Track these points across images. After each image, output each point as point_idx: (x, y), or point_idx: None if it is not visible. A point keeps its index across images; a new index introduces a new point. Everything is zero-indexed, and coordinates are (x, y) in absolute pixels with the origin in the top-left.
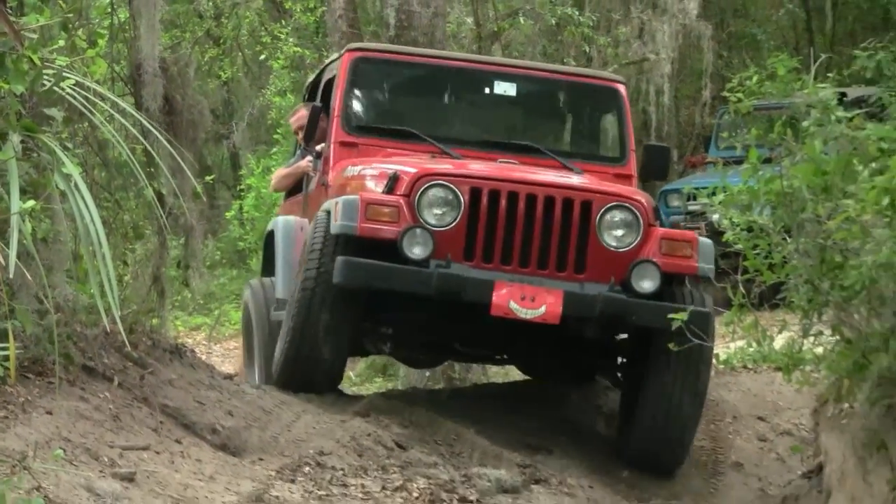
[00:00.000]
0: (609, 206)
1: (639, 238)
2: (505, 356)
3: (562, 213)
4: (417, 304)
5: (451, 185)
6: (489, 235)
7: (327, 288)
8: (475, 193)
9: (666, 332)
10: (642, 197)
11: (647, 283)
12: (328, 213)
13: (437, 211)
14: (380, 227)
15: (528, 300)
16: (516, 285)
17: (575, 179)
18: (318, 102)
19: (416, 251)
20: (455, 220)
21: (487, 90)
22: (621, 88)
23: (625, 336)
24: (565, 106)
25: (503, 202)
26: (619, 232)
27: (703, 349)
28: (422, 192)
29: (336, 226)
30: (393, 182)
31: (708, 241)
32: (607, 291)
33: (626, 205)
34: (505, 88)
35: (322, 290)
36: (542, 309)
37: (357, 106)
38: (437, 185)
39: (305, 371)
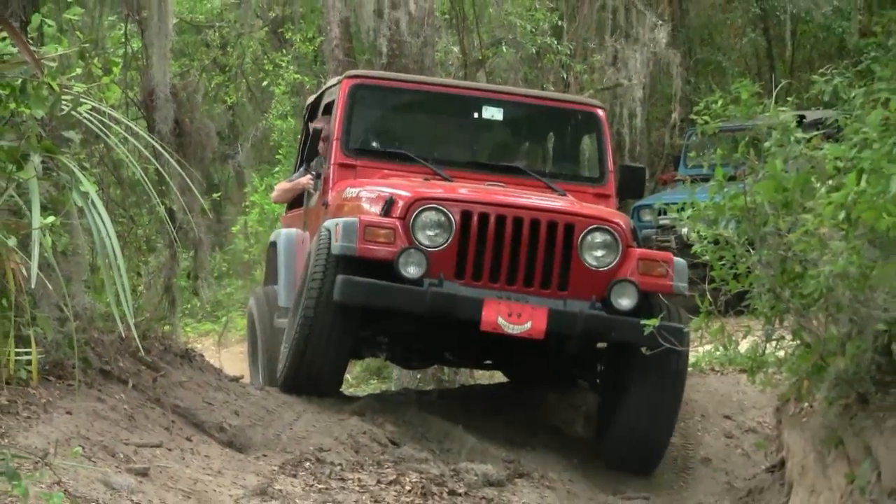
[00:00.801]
0: (590, 228)
1: (618, 258)
2: (490, 363)
3: (546, 234)
4: (411, 316)
5: (444, 209)
6: (479, 255)
7: (328, 304)
8: (466, 216)
9: (665, 352)
10: (621, 219)
11: (625, 301)
12: (329, 232)
13: (430, 233)
14: (377, 247)
15: (514, 316)
16: (504, 302)
17: (558, 203)
18: (318, 125)
19: (412, 270)
20: (447, 241)
21: (476, 114)
22: (600, 112)
23: (604, 345)
24: (548, 129)
25: (492, 224)
26: (600, 252)
27: (679, 361)
28: (416, 216)
29: (336, 246)
30: (389, 205)
31: (682, 261)
32: (588, 309)
33: (606, 227)
34: (492, 113)
35: (323, 306)
36: (528, 325)
37: (355, 130)
38: (430, 208)
39: (308, 379)
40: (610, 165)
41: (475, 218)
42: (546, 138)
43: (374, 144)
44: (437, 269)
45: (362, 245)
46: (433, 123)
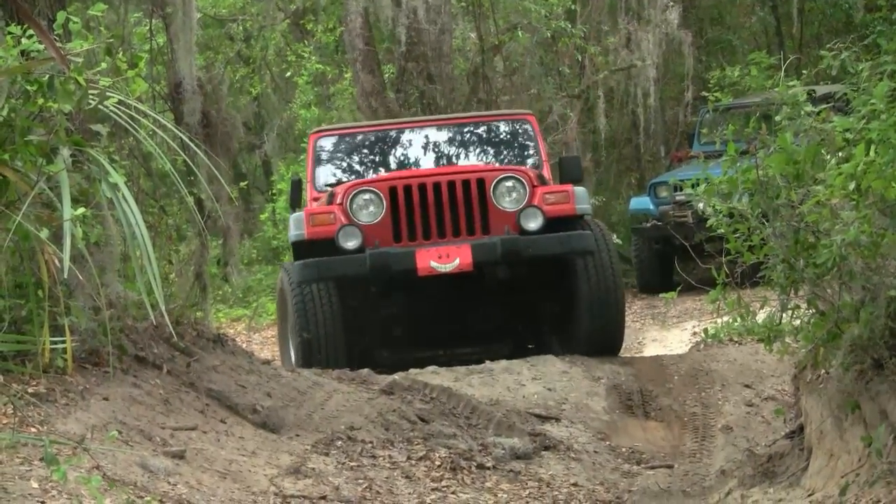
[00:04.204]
0: (500, 178)
1: (526, 198)
2: (472, 346)
3: (463, 191)
4: (390, 301)
5: (374, 189)
6: (410, 221)
7: (300, 285)
8: (393, 191)
9: (574, 256)
10: (527, 170)
11: (533, 224)
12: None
13: (366, 210)
14: (321, 229)
15: (444, 257)
16: (432, 249)
17: (471, 167)
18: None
19: (350, 244)
20: (381, 215)
21: (424, 140)
22: (531, 119)
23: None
24: (493, 137)
25: (415, 194)
26: (511, 196)
27: (608, 255)
28: (352, 199)
29: (292, 235)
30: (331, 196)
31: (582, 189)
32: (504, 237)
33: (513, 175)
34: (437, 136)
35: (296, 286)
36: (457, 261)
37: (322, 171)
38: (362, 191)
39: (313, 352)
40: (544, 156)
41: (400, 192)
42: (491, 143)
43: (339, 179)
44: (377, 239)
45: (310, 230)
46: (388, 155)
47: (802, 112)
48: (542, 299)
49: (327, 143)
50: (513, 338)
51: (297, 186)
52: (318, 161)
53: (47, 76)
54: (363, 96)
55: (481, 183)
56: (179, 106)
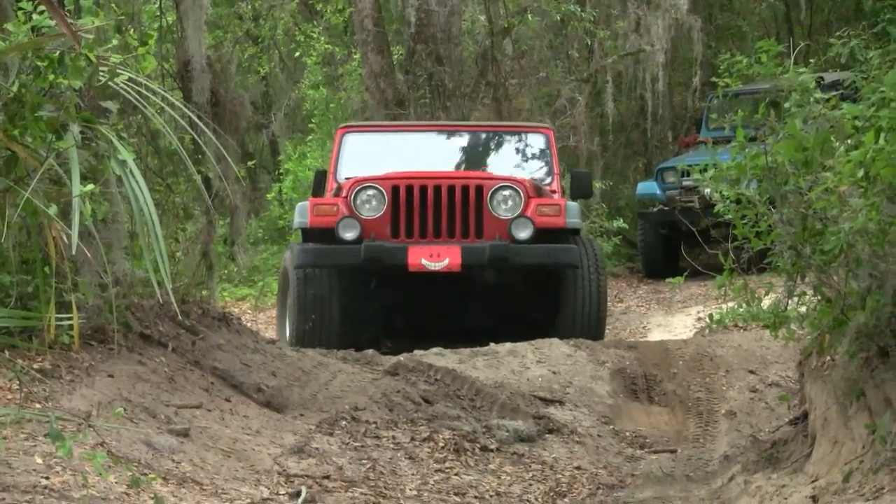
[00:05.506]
0: (497, 186)
1: (521, 207)
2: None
3: (461, 195)
4: (383, 292)
5: (378, 186)
6: (408, 218)
7: (300, 268)
8: (395, 190)
9: (561, 266)
10: (524, 179)
11: (522, 233)
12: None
13: (368, 205)
14: (323, 219)
15: (434, 256)
16: (425, 247)
17: (473, 173)
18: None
19: (348, 234)
20: (382, 210)
21: (444, 144)
22: (549, 133)
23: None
24: (509, 146)
25: (416, 194)
26: (507, 204)
27: (595, 271)
28: (356, 194)
29: (296, 222)
30: (337, 189)
31: (574, 204)
32: (494, 242)
33: (510, 184)
34: (457, 142)
35: (300, 272)
36: (446, 261)
37: (344, 165)
38: (366, 187)
39: (308, 333)
40: (556, 170)
41: (402, 190)
42: (505, 153)
43: (358, 172)
44: (376, 233)
45: (312, 219)
46: (406, 154)
47: (812, 99)
48: (528, 307)
49: (352, 139)
50: (496, 341)
51: (321, 177)
52: (341, 154)
53: (58, 52)
54: (372, 77)
55: (479, 189)
56: (188, 84)
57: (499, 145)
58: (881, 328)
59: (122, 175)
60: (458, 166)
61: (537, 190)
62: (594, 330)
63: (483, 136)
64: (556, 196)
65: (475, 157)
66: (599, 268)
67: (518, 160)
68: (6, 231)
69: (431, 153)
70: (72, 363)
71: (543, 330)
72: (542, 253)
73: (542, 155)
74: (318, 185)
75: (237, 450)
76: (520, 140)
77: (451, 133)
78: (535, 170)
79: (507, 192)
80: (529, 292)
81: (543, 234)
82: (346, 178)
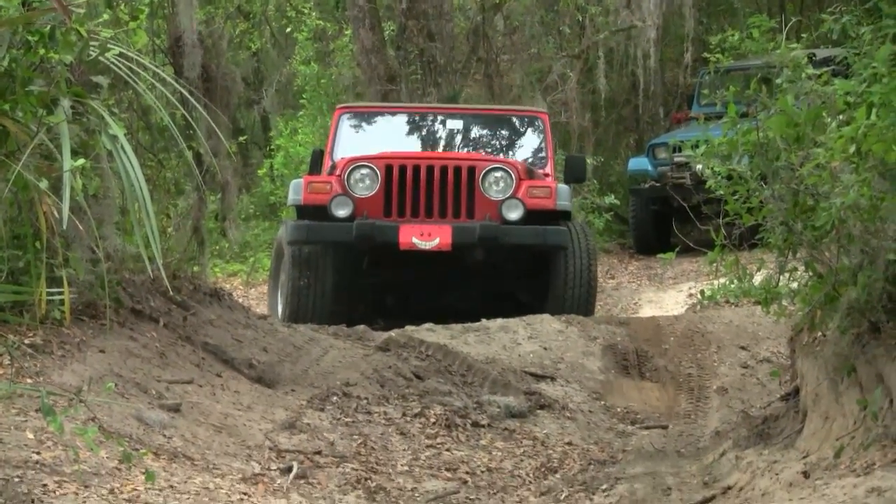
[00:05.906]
0: (489, 168)
1: (512, 189)
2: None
3: (454, 176)
4: (376, 270)
5: (371, 165)
6: (400, 198)
7: (290, 246)
8: (388, 169)
9: (550, 248)
10: (515, 162)
11: (513, 214)
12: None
13: (361, 184)
14: (317, 197)
15: (425, 235)
16: (416, 226)
17: (465, 155)
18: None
19: (341, 212)
20: (374, 189)
21: (439, 126)
22: (544, 117)
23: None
24: (504, 130)
25: (409, 173)
26: (498, 186)
27: (585, 253)
28: (350, 172)
29: (290, 199)
30: (332, 168)
31: (566, 186)
32: (484, 223)
33: (501, 166)
34: (452, 124)
35: (293, 248)
36: (437, 240)
37: (341, 144)
38: (360, 165)
39: (300, 308)
40: (550, 154)
41: (395, 170)
42: (502, 136)
43: (354, 152)
44: (368, 211)
45: (306, 196)
46: (401, 135)
47: (803, 75)
48: (518, 288)
49: (350, 119)
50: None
51: (317, 157)
52: (338, 134)
53: (49, 27)
54: (363, 53)
55: (471, 170)
56: (179, 60)
57: (495, 128)
58: (872, 304)
59: (112, 150)
60: (453, 148)
61: (529, 172)
62: (583, 312)
63: (480, 119)
64: (548, 179)
65: (471, 139)
66: (590, 251)
67: (512, 143)
68: None
69: (428, 135)
70: (63, 338)
71: (532, 311)
72: (532, 234)
73: (537, 139)
74: (315, 163)
75: (228, 425)
76: (515, 124)
77: (448, 115)
78: (529, 153)
79: (498, 174)
80: (520, 273)
81: (534, 216)
82: (343, 157)
